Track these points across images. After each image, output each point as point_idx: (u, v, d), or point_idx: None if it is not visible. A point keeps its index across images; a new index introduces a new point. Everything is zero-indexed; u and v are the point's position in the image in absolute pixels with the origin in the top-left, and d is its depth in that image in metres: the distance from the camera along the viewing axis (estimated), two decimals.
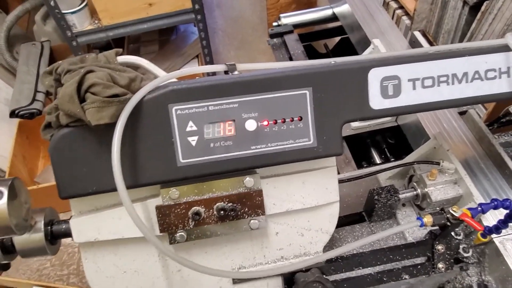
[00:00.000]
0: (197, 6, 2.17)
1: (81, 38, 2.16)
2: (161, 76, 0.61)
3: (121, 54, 0.67)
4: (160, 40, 2.69)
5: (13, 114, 2.01)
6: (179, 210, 0.62)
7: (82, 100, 0.54)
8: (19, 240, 0.61)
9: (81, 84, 0.54)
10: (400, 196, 0.87)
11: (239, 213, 0.63)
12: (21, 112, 2.01)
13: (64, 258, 1.99)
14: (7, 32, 2.27)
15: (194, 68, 0.64)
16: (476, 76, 0.66)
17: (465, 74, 0.66)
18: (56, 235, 0.63)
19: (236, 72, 0.64)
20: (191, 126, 0.59)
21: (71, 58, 0.62)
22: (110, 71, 0.58)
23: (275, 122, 0.61)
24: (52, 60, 2.36)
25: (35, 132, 2.33)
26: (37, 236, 0.61)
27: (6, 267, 0.68)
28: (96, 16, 2.15)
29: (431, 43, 1.30)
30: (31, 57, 2.25)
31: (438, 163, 0.85)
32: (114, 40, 2.34)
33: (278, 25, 1.58)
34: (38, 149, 2.44)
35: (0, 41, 2.26)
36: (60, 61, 0.61)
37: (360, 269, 0.75)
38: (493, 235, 0.77)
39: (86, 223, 0.63)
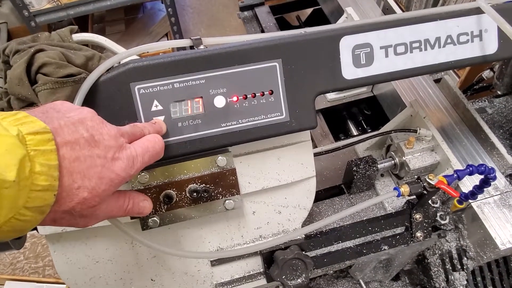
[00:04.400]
0: None
1: (40, 18, 2.04)
2: (120, 53, 0.57)
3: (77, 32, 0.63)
4: (126, 19, 2.59)
5: None
6: (149, 194, 0.59)
7: (33, 82, 0.50)
8: None
9: (31, 64, 0.50)
10: (378, 166, 0.86)
11: (212, 194, 0.61)
12: None
13: (38, 250, 1.94)
14: None
15: (156, 43, 0.60)
16: (449, 40, 0.64)
17: (438, 39, 0.64)
18: None
19: (202, 47, 0.60)
20: (156, 106, 0.56)
21: (21, 38, 0.57)
22: (63, 50, 0.53)
23: (245, 97, 0.58)
24: None
25: None
26: None
27: None
28: None
29: (403, 11, 1.28)
30: None
31: (415, 131, 0.85)
32: (77, 19, 2.23)
33: None
34: None
35: None
36: (9, 41, 0.56)
37: (339, 243, 0.74)
38: (470, 201, 0.77)
39: None
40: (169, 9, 2.19)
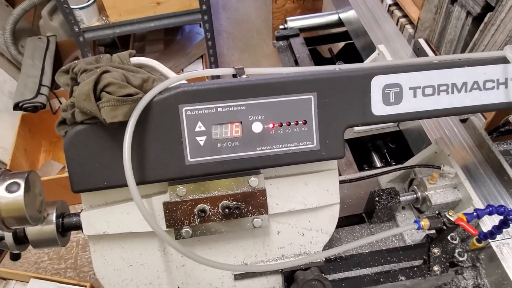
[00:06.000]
0: (204, 7, 2.20)
1: (88, 34, 2.18)
2: (171, 77, 0.64)
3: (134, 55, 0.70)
4: (165, 39, 2.72)
5: (16, 107, 2.02)
6: (185, 207, 0.65)
7: (97, 98, 0.57)
8: (32, 231, 0.63)
9: (97, 83, 0.56)
10: (400, 198, 0.89)
11: (243, 211, 0.66)
12: (25, 105, 2.02)
13: (61, 252, 2.01)
14: (13, 25, 2.29)
15: (204, 70, 0.66)
16: (475, 86, 0.68)
17: (464, 84, 0.68)
18: (67, 227, 0.66)
19: (244, 76, 0.66)
20: (199, 127, 0.62)
21: (87, 58, 0.64)
22: (124, 71, 0.60)
23: (281, 125, 0.63)
24: (57, 55, 2.38)
25: (37, 125, 2.35)
26: (49, 228, 0.64)
27: (17, 257, 0.71)
28: (104, 12, 2.17)
29: (434, 52, 1.32)
30: (36, 51, 2.27)
31: (439, 168, 0.87)
32: (120, 37, 2.36)
33: (284, 28, 1.60)
34: (40, 143, 2.46)
35: (6, 34, 2.28)
36: (76, 61, 0.63)
37: (358, 269, 0.77)
38: (489, 240, 0.79)
39: (96, 217, 0.66)
40: (207, 33, 2.30)
